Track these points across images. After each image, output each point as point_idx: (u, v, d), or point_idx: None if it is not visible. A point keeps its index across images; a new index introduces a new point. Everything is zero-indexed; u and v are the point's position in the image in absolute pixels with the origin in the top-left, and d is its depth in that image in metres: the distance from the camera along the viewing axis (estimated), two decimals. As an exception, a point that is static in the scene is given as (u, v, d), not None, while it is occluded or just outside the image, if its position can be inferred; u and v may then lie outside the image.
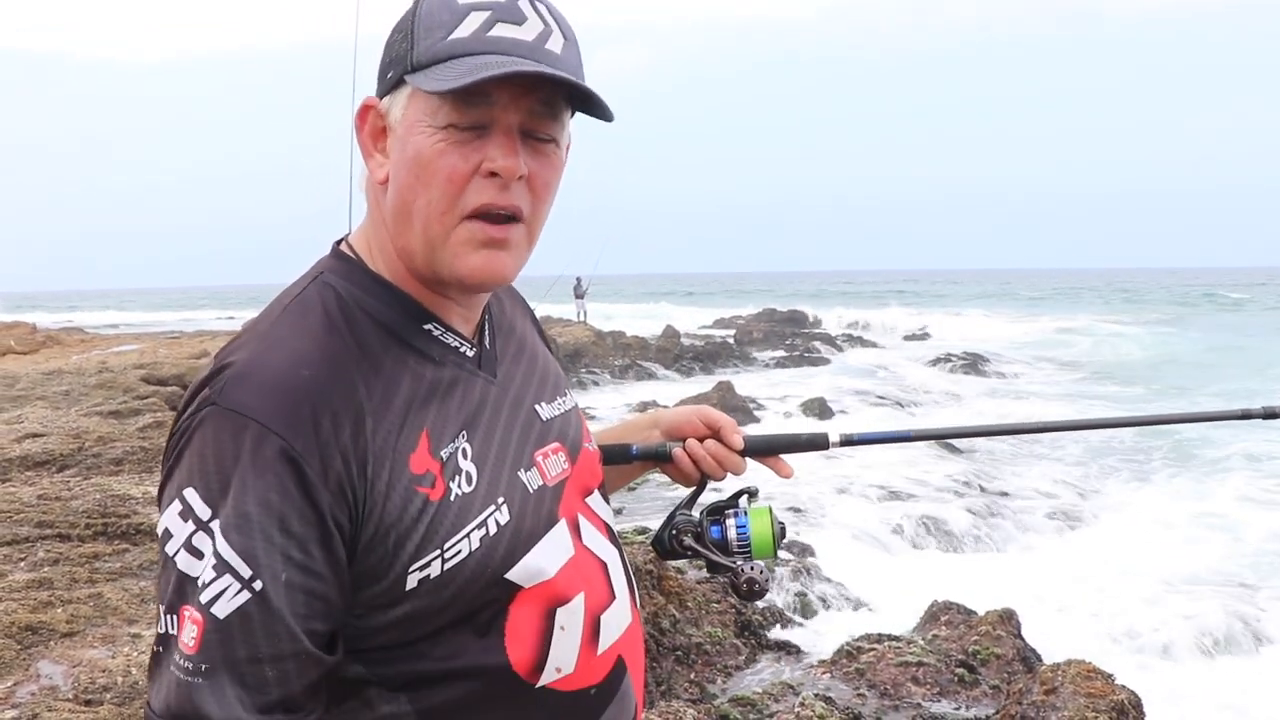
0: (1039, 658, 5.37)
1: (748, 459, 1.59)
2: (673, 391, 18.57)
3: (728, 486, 1.59)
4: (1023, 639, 5.49)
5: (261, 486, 1.04)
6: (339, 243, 1.27)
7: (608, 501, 1.44)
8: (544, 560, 1.21)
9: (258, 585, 1.03)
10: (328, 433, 1.07)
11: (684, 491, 1.60)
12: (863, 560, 8.13)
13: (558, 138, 1.20)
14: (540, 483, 1.25)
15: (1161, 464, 12.41)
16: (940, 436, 1.85)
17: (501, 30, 1.14)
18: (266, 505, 1.04)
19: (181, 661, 1.04)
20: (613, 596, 1.30)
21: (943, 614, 5.84)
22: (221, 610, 1.03)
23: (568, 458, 1.32)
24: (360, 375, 1.12)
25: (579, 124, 1.26)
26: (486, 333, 1.30)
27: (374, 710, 1.14)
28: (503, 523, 1.17)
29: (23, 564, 5.09)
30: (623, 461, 1.58)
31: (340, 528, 1.07)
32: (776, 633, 5.98)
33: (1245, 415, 1.68)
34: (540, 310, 1.61)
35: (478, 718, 1.18)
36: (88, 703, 3.70)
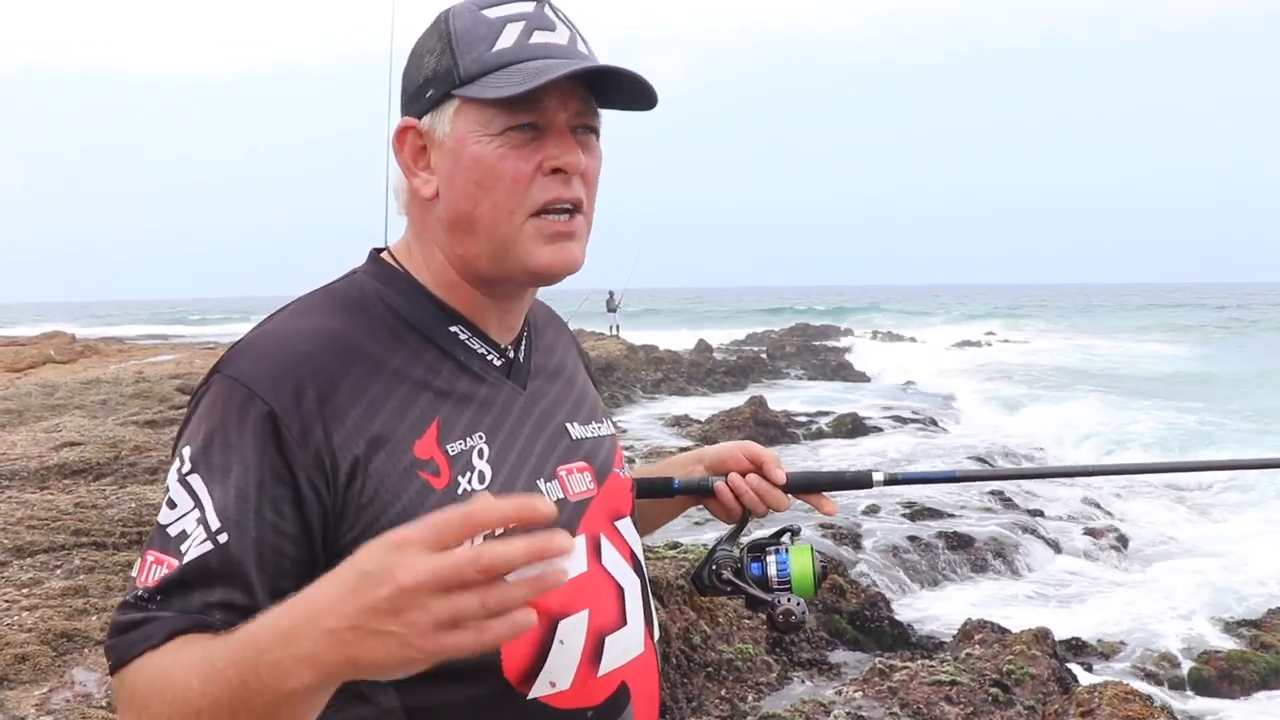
0: (1075, 678, 5.29)
1: (790, 495, 1.58)
2: (705, 406, 18.51)
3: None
4: (1058, 659, 5.41)
5: (240, 444, 1.10)
6: (378, 251, 1.32)
7: (638, 532, 1.43)
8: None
9: (223, 538, 1.07)
10: (311, 403, 1.12)
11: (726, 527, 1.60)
12: (895, 577, 8.06)
13: (599, 130, 1.28)
14: (560, 495, 1.27)
15: (1208, 491, 12.11)
16: (988, 477, 1.82)
17: (540, 37, 1.22)
18: (244, 462, 1.09)
19: (137, 591, 1.07)
20: (623, 622, 1.30)
21: (976, 632, 5.77)
22: (188, 555, 1.06)
23: (594, 478, 1.34)
24: (362, 356, 1.18)
25: (612, 132, 1.31)
26: (524, 346, 1.34)
27: (367, 701, 1.15)
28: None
29: (59, 571, 5.14)
30: (665, 495, 1.59)
31: (317, 493, 1.11)
32: (808, 651, 5.93)
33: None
34: (572, 325, 1.61)
35: None
36: (121, 711, 3.73)
